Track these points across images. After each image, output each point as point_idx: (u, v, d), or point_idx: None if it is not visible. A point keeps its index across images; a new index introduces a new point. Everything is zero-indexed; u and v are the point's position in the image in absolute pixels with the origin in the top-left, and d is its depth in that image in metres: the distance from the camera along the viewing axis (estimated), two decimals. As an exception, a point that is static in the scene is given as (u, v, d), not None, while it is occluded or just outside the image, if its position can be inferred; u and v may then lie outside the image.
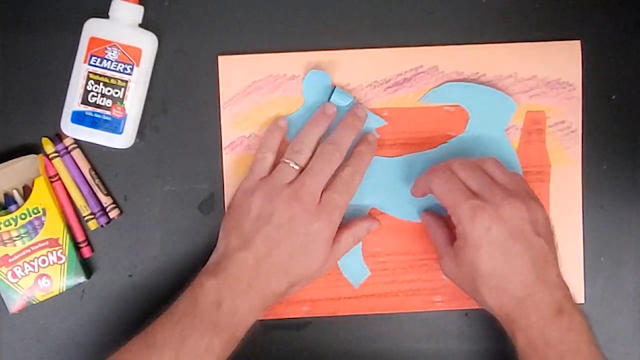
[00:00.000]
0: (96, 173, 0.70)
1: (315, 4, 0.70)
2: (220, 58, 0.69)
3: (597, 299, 0.71)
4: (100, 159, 0.70)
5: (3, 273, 0.67)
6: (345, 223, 0.67)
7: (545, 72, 0.70)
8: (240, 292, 0.62)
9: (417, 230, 0.70)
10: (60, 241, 0.68)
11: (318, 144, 0.67)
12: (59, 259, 0.68)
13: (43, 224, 0.68)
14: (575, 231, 0.71)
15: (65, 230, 0.68)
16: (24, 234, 0.68)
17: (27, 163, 0.69)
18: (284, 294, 0.64)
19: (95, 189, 0.69)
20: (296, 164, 0.65)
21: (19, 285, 0.68)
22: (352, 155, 0.67)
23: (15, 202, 0.68)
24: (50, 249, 0.68)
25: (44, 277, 0.68)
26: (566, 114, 0.70)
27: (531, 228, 0.60)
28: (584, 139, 0.70)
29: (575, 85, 0.70)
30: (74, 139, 0.69)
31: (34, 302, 0.68)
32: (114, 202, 0.70)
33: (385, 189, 0.70)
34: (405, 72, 0.70)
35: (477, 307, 0.70)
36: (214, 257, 0.65)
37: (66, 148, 0.69)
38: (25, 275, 0.68)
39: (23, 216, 0.68)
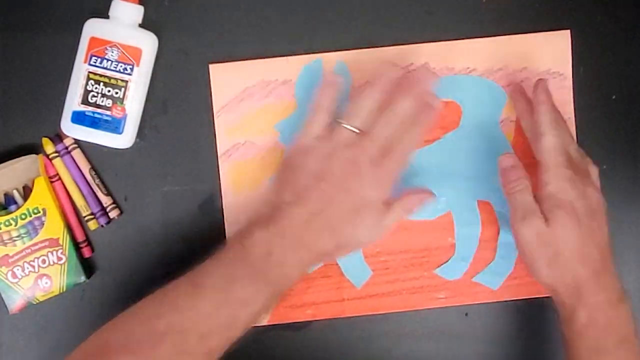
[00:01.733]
0: (96, 173, 0.70)
1: (305, 7, 0.70)
2: (211, 66, 0.70)
3: (597, 298, 0.71)
4: (100, 159, 0.70)
5: (3, 273, 0.67)
6: (398, 193, 0.66)
7: (536, 63, 0.70)
8: (290, 245, 0.61)
9: (416, 228, 0.71)
10: (60, 241, 0.68)
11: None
12: (59, 259, 0.68)
13: (43, 224, 0.68)
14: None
15: (66, 230, 0.68)
16: (24, 234, 0.68)
17: (27, 163, 0.69)
18: (331, 255, 0.64)
19: (95, 189, 0.69)
20: (354, 127, 0.64)
21: (19, 285, 0.68)
22: (412, 123, 0.65)
23: (15, 202, 0.68)
24: (51, 249, 0.68)
25: (44, 277, 0.68)
26: (558, 104, 0.70)
27: (603, 216, 0.64)
28: (584, 138, 0.70)
29: (566, 75, 0.70)
30: (74, 139, 0.69)
31: (34, 302, 0.68)
32: (114, 202, 0.70)
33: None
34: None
35: (477, 304, 0.70)
36: (263, 209, 0.64)
37: (66, 148, 0.69)
38: (26, 275, 0.68)
39: (23, 216, 0.68)
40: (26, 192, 0.69)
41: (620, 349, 0.61)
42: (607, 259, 0.63)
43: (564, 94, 0.70)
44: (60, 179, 0.70)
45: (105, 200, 0.69)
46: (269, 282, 0.60)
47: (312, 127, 0.65)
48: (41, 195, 0.68)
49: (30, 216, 0.68)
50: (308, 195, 0.62)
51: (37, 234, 0.68)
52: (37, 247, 0.68)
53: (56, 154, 0.69)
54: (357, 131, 0.64)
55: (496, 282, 0.71)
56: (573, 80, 0.70)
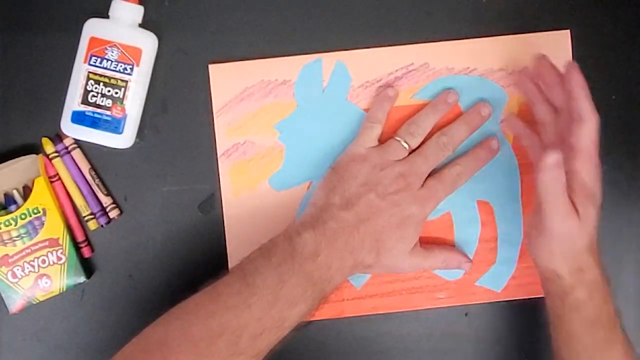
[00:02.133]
0: (96, 173, 0.70)
1: (304, 7, 0.70)
2: (210, 66, 0.70)
3: (597, 299, 0.71)
4: (100, 159, 0.70)
5: (3, 273, 0.67)
6: (447, 246, 0.69)
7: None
8: (336, 248, 0.62)
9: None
10: (60, 241, 0.68)
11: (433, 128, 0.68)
12: (59, 259, 0.68)
13: (43, 224, 0.68)
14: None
15: (65, 230, 0.68)
16: (24, 234, 0.68)
17: (27, 163, 0.69)
18: (371, 267, 0.65)
19: (95, 189, 0.69)
20: (407, 144, 0.67)
21: (19, 285, 0.68)
22: (468, 155, 0.68)
23: (15, 202, 0.69)
24: (50, 249, 0.68)
25: (44, 277, 0.68)
26: None
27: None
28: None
29: None
30: (74, 139, 0.69)
31: (34, 302, 0.68)
32: (114, 202, 0.70)
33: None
34: (396, 70, 0.70)
35: (477, 304, 0.70)
36: (310, 211, 0.65)
37: (66, 148, 0.69)
38: (26, 275, 0.68)
39: (23, 216, 0.68)
40: (26, 192, 0.69)
41: (612, 323, 0.62)
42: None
43: (564, 94, 0.70)
44: (60, 179, 0.70)
45: (105, 200, 0.69)
46: (315, 283, 0.61)
47: (365, 137, 0.67)
48: (41, 195, 0.68)
49: (30, 216, 0.68)
50: (357, 202, 0.64)
51: (37, 233, 0.68)
52: (37, 247, 0.68)
53: (56, 154, 0.69)
54: (408, 148, 0.67)
55: (500, 285, 0.71)
56: (573, 80, 0.70)
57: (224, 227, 0.70)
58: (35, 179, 0.68)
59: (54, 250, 0.68)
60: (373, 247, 0.64)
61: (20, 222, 0.68)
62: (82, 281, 0.69)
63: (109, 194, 0.70)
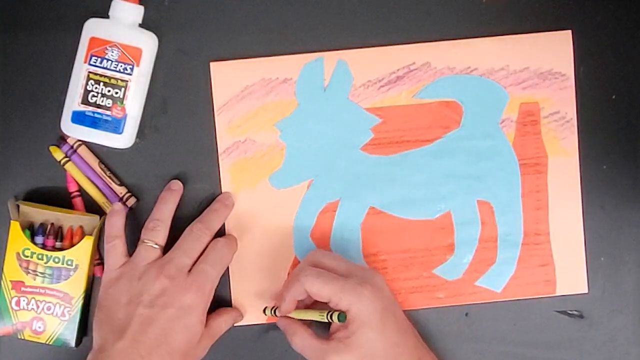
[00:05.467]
0: (105, 166, 0.70)
1: (305, 6, 0.70)
2: (212, 64, 0.70)
3: (597, 299, 0.71)
4: (100, 159, 0.70)
5: (10, 295, 0.67)
6: (215, 311, 0.68)
7: (538, 63, 0.70)
8: None
9: (416, 228, 0.71)
10: (73, 301, 0.67)
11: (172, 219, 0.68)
12: (63, 315, 0.67)
13: (68, 277, 0.67)
14: (575, 223, 0.71)
15: (83, 295, 0.67)
16: (49, 275, 0.67)
17: (90, 218, 0.69)
18: None
19: (108, 181, 0.69)
20: (155, 243, 0.66)
21: (16, 314, 0.67)
22: (224, 244, 0.67)
23: (43, 235, 0.68)
24: (62, 303, 0.67)
25: (41, 322, 0.67)
26: (560, 104, 0.70)
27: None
28: (584, 138, 0.71)
29: (568, 75, 0.70)
30: (77, 137, 0.69)
31: (19, 337, 0.68)
32: (128, 190, 0.70)
33: (382, 187, 0.70)
34: (398, 70, 0.70)
35: (477, 304, 0.71)
36: (89, 358, 0.63)
37: (72, 147, 0.69)
38: (27, 310, 0.67)
39: (57, 260, 0.67)
40: (67, 234, 0.69)
41: None
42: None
43: (566, 94, 0.70)
44: (80, 195, 0.70)
45: (120, 191, 0.69)
46: None
47: (111, 261, 0.66)
48: (82, 252, 0.67)
49: (63, 264, 0.67)
50: (128, 324, 0.62)
51: (58, 282, 0.67)
52: (52, 292, 0.67)
53: (67, 159, 0.69)
54: (157, 247, 0.66)
55: (500, 284, 0.71)
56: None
57: (224, 226, 0.70)
58: (87, 235, 0.68)
59: (64, 305, 0.67)
60: (163, 356, 0.62)
61: (50, 263, 0.67)
62: (71, 345, 0.68)
63: (122, 183, 0.70)
